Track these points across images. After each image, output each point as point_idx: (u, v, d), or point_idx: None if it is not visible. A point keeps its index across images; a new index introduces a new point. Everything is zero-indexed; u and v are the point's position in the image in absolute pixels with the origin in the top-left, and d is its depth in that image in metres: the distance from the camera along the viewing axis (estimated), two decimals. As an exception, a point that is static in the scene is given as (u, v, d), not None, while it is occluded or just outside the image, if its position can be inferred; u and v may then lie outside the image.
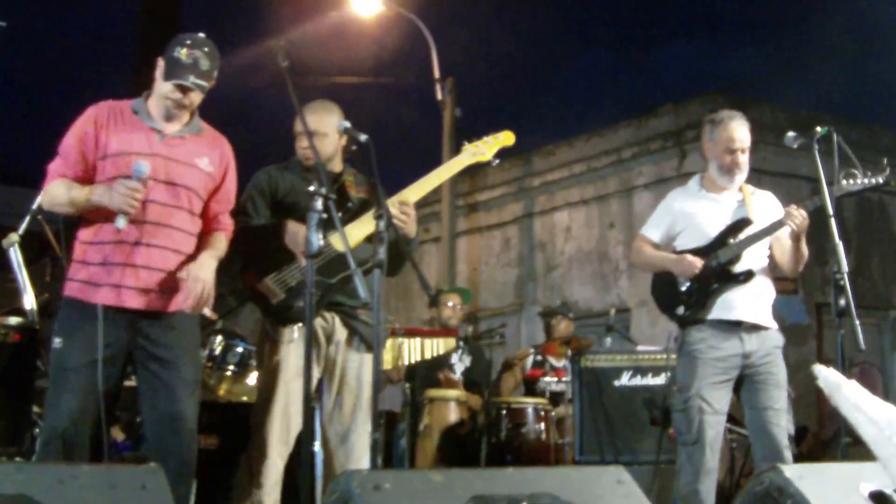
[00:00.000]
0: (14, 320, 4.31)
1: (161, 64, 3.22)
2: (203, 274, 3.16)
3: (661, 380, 5.03)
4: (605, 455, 4.92)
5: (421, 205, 12.80)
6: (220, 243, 3.34)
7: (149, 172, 3.05)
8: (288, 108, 3.35)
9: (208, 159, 3.28)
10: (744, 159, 3.92)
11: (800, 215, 3.70)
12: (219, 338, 5.06)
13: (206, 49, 3.19)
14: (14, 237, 4.20)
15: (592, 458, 4.95)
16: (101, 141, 3.14)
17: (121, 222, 3.01)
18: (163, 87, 3.20)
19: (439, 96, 10.90)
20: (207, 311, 3.24)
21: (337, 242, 3.45)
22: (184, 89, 3.16)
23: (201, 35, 3.23)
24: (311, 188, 2.99)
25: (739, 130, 3.91)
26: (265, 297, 3.59)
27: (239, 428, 3.86)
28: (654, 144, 9.66)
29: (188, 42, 3.18)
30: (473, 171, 11.47)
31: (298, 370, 3.54)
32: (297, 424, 3.56)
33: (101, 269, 3.09)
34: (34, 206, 4.18)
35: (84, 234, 3.17)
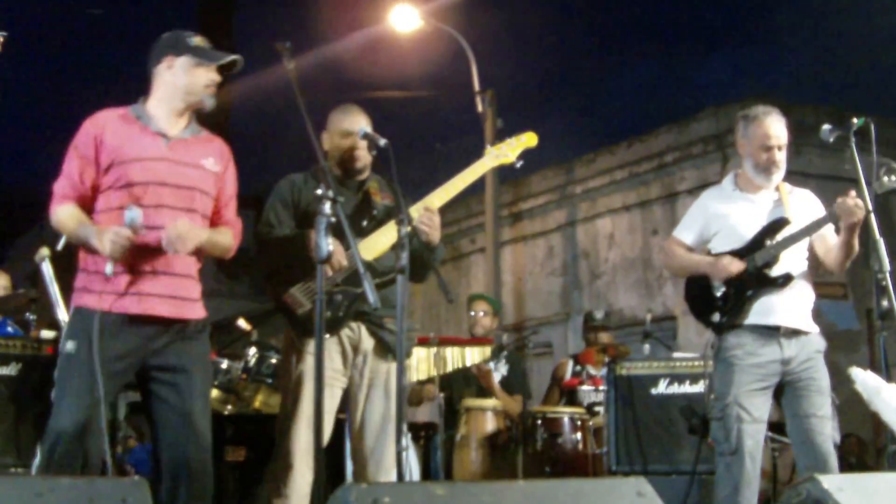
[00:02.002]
0: (47, 334, 4.36)
1: (177, 61, 3.16)
2: (190, 230, 3.06)
3: (698, 387, 4.88)
4: (642, 465, 4.79)
5: (466, 216, 12.73)
6: (224, 234, 3.28)
7: (141, 221, 2.98)
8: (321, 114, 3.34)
9: (213, 159, 3.25)
10: (780, 156, 3.76)
11: (854, 205, 3.47)
12: (253, 349, 5.07)
13: None
14: (45, 251, 4.24)
15: (628, 467, 4.81)
16: (104, 152, 3.09)
17: (108, 269, 2.98)
18: (195, 79, 3.16)
19: (480, 108, 10.93)
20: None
21: (362, 251, 3.40)
22: (216, 70, 3.16)
23: None
24: (319, 191, 2.94)
25: (775, 126, 3.75)
26: (291, 308, 3.55)
27: (267, 440, 3.83)
28: (695, 149, 9.50)
29: (188, 34, 3.20)
30: (516, 180, 11.43)
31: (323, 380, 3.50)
32: (322, 435, 3.51)
33: (120, 278, 3.03)
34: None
35: None
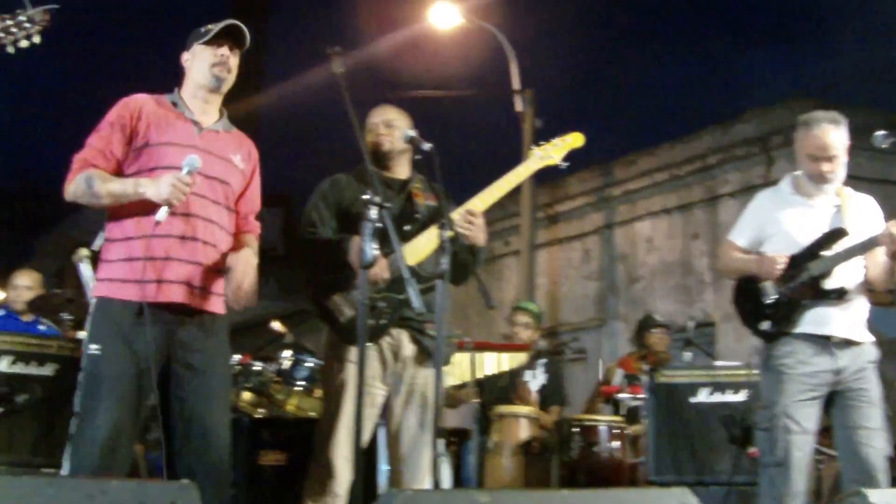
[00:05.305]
0: (83, 335, 4.36)
1: (190, 53, 3.18)
2: (250, 268, 3.06)
3: (740, 396, 4.78)
4: (681, 475, 4.68)
5: (500, 217, 12.63)
6: (254, 245, 3.26)
7: (199, 166, 2.97)
8: (360, 116, 3.30)
9: (240, 156, 3.23)
10: (829, 167, 3.61)
11: None
12: (288, 352, 5.04)
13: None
14: (84, 252, 4.25)
15: (667, 477, 4.71)
16: (139, 130, 3.07)
17: (162, 214, 2.90)
18: (203, 60, 3.14)
19: (519, 108, 10.86)
20: (241, 304, 3.10)
21: (405, 255, 3.34)
22: (221, 45, 3.10)
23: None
24: (366, 196, 2.90)
25: (824, 137, 3.59)
26: (333, 314, 3.51)
27: (305, 444, 3.80)
28: (739, 151, 9.32)
29: (209, 25, 3.16)
30: (553, 182, 11.33)
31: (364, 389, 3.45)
32: (362, 442, 3.47)
33: (141, 265, 2.96)
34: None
35: (115, 231, 3.06)
